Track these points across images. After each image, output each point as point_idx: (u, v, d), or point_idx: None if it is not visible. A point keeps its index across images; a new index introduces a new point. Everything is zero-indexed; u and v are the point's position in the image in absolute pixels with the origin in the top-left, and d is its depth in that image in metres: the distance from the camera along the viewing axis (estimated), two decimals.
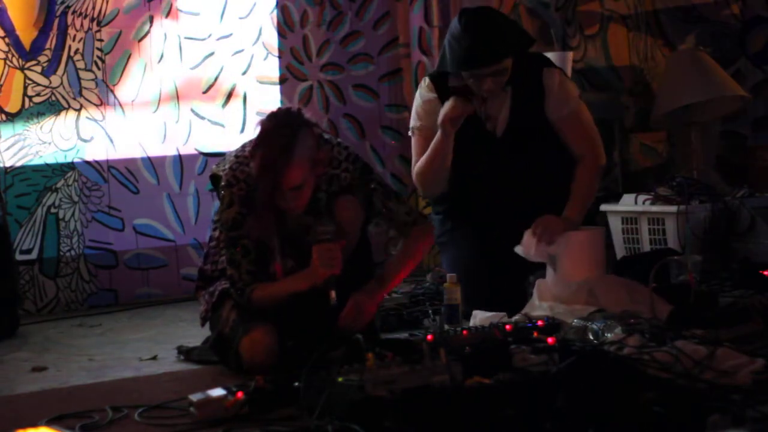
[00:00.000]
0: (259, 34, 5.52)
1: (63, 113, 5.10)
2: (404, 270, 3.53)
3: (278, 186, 3.20)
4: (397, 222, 3.53)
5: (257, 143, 3.25)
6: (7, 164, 4.99)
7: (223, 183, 3.38)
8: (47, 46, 5.07)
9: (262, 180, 3.21)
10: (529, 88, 3.95)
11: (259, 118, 3.33)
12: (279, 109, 3.36)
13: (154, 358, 3.80)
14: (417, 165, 4.04)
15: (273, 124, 3.25)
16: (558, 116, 3.97)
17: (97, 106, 5.17)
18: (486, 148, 3.97)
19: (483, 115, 3.96)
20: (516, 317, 3.54)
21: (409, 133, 4.14)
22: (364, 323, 3.36)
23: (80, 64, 5.13)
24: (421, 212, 4.26)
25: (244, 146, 3.47)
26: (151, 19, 5.28)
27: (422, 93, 4.06)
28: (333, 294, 3.28)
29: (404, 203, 3.59)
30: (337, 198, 3.42)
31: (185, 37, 5.35)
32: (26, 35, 5.02)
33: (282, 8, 5.57)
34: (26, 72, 5.02)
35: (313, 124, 3.31)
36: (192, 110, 5.37)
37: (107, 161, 5.19)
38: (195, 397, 2.83)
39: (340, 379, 2.66)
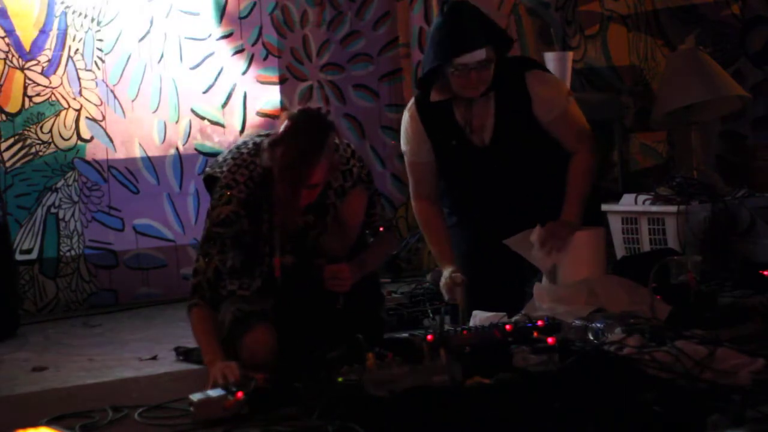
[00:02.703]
0: (259, 34, 5.52)
1: (63, 113, 5.10)
2: (378, 265, 3.66)
3: (304, 181, 3.22)
4: (379, 221, 3.61)
5: (287, 135, 3.24)
6: (7, 164, 4.99)
7: (222, 184, 3.37)
8: (47, 46, 5.07)
9: (289, 173, 3.21)
10: (513, 94, 3.84)
11: (287, 113, 3.33)
12: (309, 107, 3.37)
13: (154, 358, 3.80)
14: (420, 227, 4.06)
15: (306, 120, 3.27)
16: (548, 119, 3.89)
17: (97, 106, 5.17)
18: (473, 158, 3.90)
19: (467, 125, 3.89)
20: (516, 317, 3.53)
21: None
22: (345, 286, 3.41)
23: (80, 64, 5.13)
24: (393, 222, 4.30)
25: (239, 148, 3.46)
26: (152, 19, 5.28)
27: (405, 117, 3.97)
28: (341, 299, 3.38)
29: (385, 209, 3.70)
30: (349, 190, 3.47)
31: (185, 37, 5.35)
32: (26, 35, 5.02)
33: (282, 8, 5.57)
34: (26, 72, 5.02)
35: (335, 128, 3.35)
36: (192, 110, 5.37)
37: (107, 161, 5.20)
38: (195, 397, 2.83)
39: (340, 379, 2.66)
